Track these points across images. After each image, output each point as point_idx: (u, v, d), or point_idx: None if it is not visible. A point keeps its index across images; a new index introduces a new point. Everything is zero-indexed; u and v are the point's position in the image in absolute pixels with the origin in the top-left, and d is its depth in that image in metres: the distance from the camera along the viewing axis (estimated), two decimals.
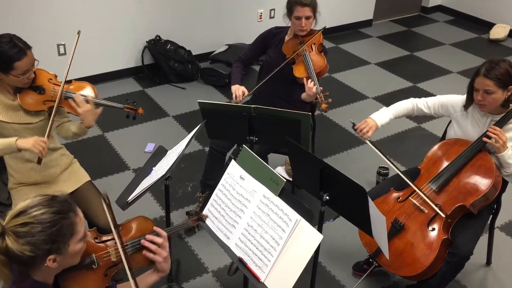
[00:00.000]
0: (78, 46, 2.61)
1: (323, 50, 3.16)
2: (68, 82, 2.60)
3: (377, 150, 2.61)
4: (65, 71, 2.55)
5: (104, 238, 1.78)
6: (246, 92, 3.11)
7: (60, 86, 2.53)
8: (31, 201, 1.53)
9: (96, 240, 1.77)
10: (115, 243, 1.73)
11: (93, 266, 1.71)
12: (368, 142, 2.68)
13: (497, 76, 2.44)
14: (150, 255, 1.79)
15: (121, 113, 2.69)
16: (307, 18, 3.05)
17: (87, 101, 2.51)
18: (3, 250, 1.48)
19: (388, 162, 2.60)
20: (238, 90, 3.10)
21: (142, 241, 1.79)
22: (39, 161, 2.43)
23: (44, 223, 1.49)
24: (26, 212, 1.50)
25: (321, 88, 2.92)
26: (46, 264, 1.53)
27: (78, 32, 2.65)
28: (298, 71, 3.06)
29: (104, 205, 1.74)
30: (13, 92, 2.49)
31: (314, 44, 3.12)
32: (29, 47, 2.40)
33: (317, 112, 3.17)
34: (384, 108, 2.85)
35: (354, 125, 2.76)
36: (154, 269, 1.83)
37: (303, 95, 3.00)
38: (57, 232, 1.51)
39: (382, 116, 2.80)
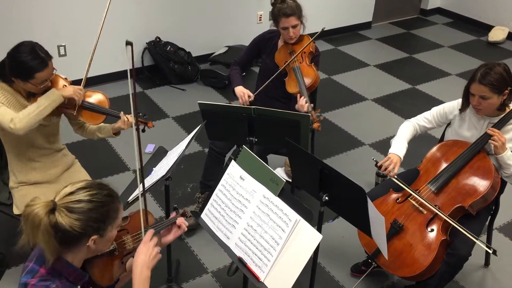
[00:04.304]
0: (78, 47, 2.64)
1: (314, 59, 3.15)
2: None
3: (402, 185, 2.60)
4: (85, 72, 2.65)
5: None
6: (252, 96, 3.10)
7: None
8: (82, 183, 1.61)
9: None
10: (127, 232, 1.89)
11: (115, 252, 1.82)
12: (394, 179, 2.63)
13: (492, 82, 2.45)
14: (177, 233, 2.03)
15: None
16: (294, 26, 3.03)
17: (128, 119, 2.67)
18: (52, 225, 1.53)
19: (412, 192, 2.60)
20: (244, 96, 3.09)
21: (178, 220, 2.03)
22: (74, 107, 2.58)
23: (96, 202, 1.58)
24: (78, 192, 1.58)
25: (312, 105, 2.89)
26: (87, 244, 1.59)
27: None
28: (290, 87, 3.06)
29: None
30: (26, 95, 2.50)
31: (304, 53, 3.09)
32: (50, 57, 2.41)
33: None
34: (395, 140, 2.78)
35: (377, 162, 2.67)
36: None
37: (296, 107, 2.96)
38: (106, 213, 1.60)
39: (401, 147, 2.73)
